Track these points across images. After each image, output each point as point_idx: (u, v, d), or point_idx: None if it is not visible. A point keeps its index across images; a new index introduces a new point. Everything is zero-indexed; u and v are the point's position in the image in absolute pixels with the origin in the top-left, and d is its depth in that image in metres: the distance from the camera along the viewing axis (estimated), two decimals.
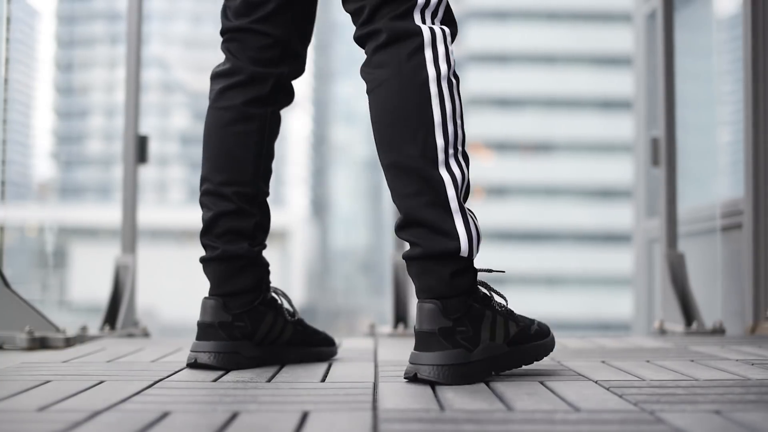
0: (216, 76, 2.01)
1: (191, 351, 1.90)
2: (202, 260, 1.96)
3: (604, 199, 38.23)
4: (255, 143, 1.97)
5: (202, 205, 1.97)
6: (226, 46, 2.01)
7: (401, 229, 1.71)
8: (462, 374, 1.64)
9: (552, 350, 1.83)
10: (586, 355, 2.18)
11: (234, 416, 1.30)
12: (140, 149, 3.32)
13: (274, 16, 1.96)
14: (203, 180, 1.98)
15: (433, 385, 1.63)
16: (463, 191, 1.70)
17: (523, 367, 1.82)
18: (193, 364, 1.88)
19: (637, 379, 1.69)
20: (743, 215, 3.24)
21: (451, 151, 1.69)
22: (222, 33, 2.02)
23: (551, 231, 37.46)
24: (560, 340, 2.66)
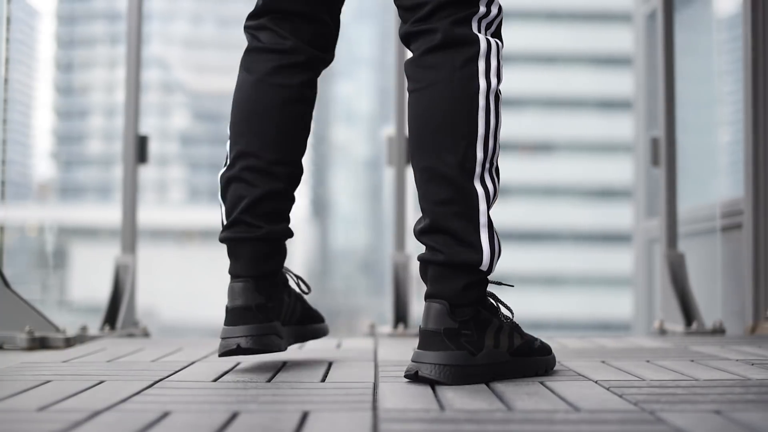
0: (267, 51, 1.91)
1: (226, 338, 1.82)
2: (235, 239, 1.86)
3: (604, 199, 38.19)
4: (306, 126, 1.93)
5: (240, 180, 1.85)
6: (276, 24, 1.92)
7: (425, 233, 1.70)
8: (463, 376, 1.64)
9: (553, 368, 1.83)
10: (586, 355, 2.18)
11: (234, 416, 1.30)
12: (140, 149, 3.32)
13: (337, 3, 1.95)
14: (244, 154, 1.86)
15: (433, 384, 1.63)
16: (492, 204, 1.72)
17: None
18: (236, 350, 1.81)
19: (637, 379, 1.69)
20: (743, 215, 3.24)
21: (487, 165, 1.69)
22: (267, 11, 1.92)
23: (551, 231, 37.44)
24: (560, 340, 2.66)
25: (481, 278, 1.69)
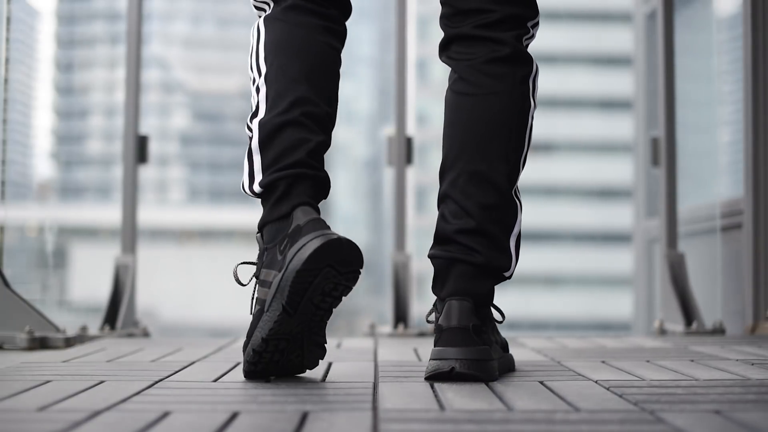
0: (313, 12, 1.76)
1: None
2: (295, 176, 1.68)
3: (604, 199, 38.19)
4: (338, 69, 1.78)
5: (300, 124, 1.69)
6: None
7: (465, 233, 1.72)
8: (491, 371, 1.67)
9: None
10: (586, 355, 2.18)
11: (234, 416, 1.30)
12: (140, 149, 3.32)
13: None
14: (303, 100, 1.70)
15: (469, 380, 1.64)
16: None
17: (519, 369, 1.85)
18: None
19: (637, 379, 1.69)
20: (743, 215, 3.24)
21: (518, 181, 1.78)
22: None
23: (551, 231, 37.43)
24: (560, 340, 2.66)
25: (501, 282, 1.76)
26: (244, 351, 1.67)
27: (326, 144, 1.73)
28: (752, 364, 1.94)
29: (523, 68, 1.76)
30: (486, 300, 1.74)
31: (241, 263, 1.72)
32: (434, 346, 1.69)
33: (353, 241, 1.64)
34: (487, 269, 1.73)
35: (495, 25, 1.76)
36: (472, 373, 1.64)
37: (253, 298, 1.69)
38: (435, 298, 1.77)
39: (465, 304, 1.69)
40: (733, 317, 3.36)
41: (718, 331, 3.06)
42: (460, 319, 1.67)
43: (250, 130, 1.73)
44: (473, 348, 1.66)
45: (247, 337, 1.67)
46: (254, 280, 1.69)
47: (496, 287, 1.76)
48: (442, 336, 1.68)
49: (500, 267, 1.74)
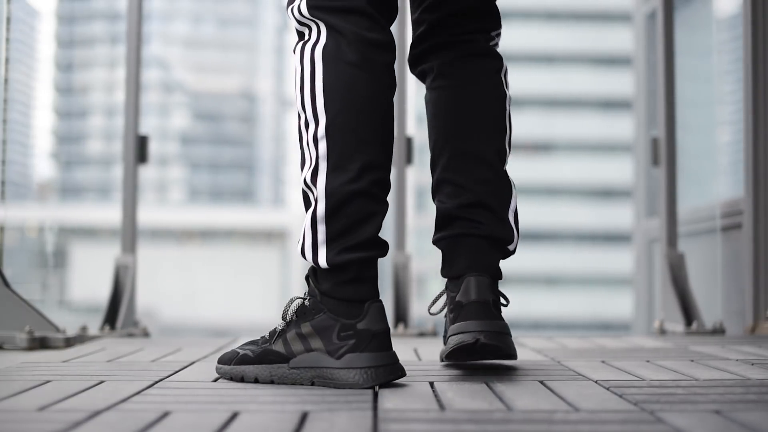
0: (376, 45, 1.63)
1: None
2: (368, 260, 1.61)
3: (604, 199, 38.20)
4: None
5: (369, 195, 1.60)
6: (376, 7, 1.64)
7: (466, 207, 1.78)
8: (512, 345, 1.72)
9: None
10: (586, 355, 2.18)
11: (234, 416, 1.30)
12: (140, 149, 3.33)
13: None
14: (373, 166, 1.60)
15: (493, 352, 1.68)
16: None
17: (519, 369, 1.85)
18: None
19: (637, 379, 1.69)
20: (743, 215, 3.24)
21: (508, 163, 1.86)
22: None
23: (551, 231, 37.44)
24: (560, 340, 2.66)
25: (504, 259, 1.81)
26: (227, 363, 1.70)
27: (387, 208, 1.65)
28: (752, 364, 1.94)
29: (495, 62, 1.86)
30: (498, 275, 1.78)
31: (299, 304, 1.65)
32: (452, 324, 1.69)
33: (403, 366, 1.63)
34: (493, 241, 1.77)
35: (469, 33, 1.85)
36: (496, 345, 1.65)
37: (278, 334, 1.65)
38: (434, 297, 1.77)
39: (483, 279, 1.72)
40: (733, 317, 3.36)
41: (718, 331, 3.06)
42: (479, 294, 1.70)
43: (310, 190, 1.62)
44: (495, 321, 1.68)
45: (241, 355, 1.68)
46: (289, 314, 1.65)
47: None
48: (462, 311, 1.69)
49: (504, 239, 1.79)
